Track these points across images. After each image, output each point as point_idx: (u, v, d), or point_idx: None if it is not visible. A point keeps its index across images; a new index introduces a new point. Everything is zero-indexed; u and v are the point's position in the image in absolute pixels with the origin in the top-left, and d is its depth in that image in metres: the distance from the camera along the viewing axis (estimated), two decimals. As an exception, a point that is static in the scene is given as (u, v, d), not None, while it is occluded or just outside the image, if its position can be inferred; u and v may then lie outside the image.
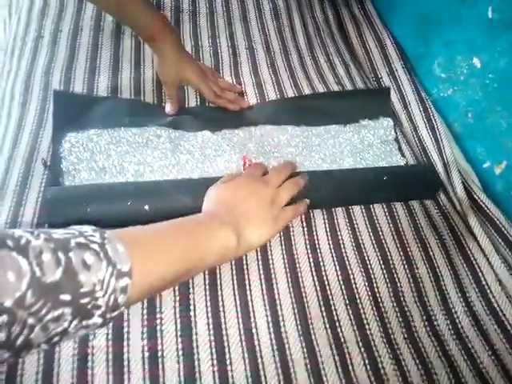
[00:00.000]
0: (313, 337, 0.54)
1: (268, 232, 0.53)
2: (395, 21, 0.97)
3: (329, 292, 0.57)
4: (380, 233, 0.64)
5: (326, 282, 0.58)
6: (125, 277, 0.34)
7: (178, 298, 0.53)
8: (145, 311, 0.52)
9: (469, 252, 0.64)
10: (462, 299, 0.59)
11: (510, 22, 0.67)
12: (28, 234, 0.32)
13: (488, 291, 0.60)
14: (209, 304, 0.53)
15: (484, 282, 0.61)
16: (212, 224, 0.48)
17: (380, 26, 0.95)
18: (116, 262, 0.34)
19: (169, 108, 0.72)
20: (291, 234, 0.61)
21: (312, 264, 0.59)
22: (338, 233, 0.63)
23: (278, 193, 0.56)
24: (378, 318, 0.56)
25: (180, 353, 0.50)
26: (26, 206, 0.57)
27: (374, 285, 0.59)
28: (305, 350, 0.53)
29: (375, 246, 0.63)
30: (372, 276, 0.60)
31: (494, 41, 0.71)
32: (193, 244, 0.45)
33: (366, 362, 0.53)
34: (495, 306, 0.59)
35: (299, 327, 0.54)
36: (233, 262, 0.57)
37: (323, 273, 0.59)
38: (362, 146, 0.72)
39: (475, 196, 0.70)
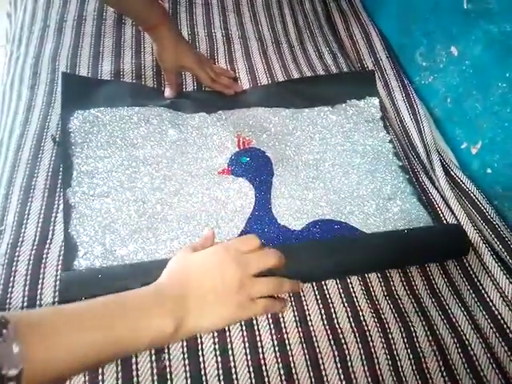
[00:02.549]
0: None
1: (222, 320, 0.47)
2: (380, 14, 1.03)
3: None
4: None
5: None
6: (10, 382, 0.32)
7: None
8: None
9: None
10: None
11: (484, 11, 0.73)
12: None
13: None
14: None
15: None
16: (146, 310, 0.42)
17: (366, 19, 1.01)
18: (2, 368, 0.31)
19: (168, 92, 0.77)
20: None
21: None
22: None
23: (253, 282, 0.48)
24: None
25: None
26: (37, 178, 0.62)
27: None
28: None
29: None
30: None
31: (470, 30, 0.77)
32: (110, 336, 0.40)
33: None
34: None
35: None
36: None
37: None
38: (350, 125, 0.78)
39: (452, 173, 0.76)
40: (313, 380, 0.51)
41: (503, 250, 0.64)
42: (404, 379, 0.53)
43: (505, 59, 0.70)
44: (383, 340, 0.55)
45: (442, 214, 0.70)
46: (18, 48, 0.83)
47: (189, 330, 0.45)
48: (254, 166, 0.68)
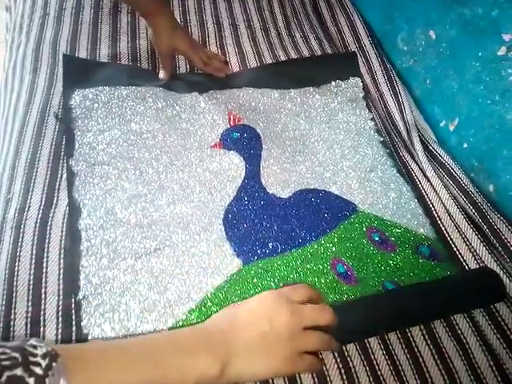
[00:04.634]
0: None
1: (267, 370, 0.45)
2: (365, 3, 1.08)
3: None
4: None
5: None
6: None
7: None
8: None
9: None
10: None
11: (458, -5, 0.78)
12: None
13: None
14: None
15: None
16: (193, 347, 0.42)
17: (351, 8, 1.06)
18: None
19: (162, 75, 0.82)
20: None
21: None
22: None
23: (303, 336, 0.46)
24: None
25: None
26: (42, 150, 0.67)
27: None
28: None
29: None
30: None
31: (446, 14, 0.82)
32: (158, 375, 0.39)
33: None
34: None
35: None
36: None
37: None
38: (334, 104, 0.83)
39: (431, 148, 0.81)
40: None
41: (476, 214, 0.69)
42: None
43: (477, 40, 0.75)
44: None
45: (420, 183, 0.75)
46: (19, 35, 0.88)
47: (234, 375, 0.43)
48: (244, 141, 0.73)
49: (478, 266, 0.64)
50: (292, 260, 0.61)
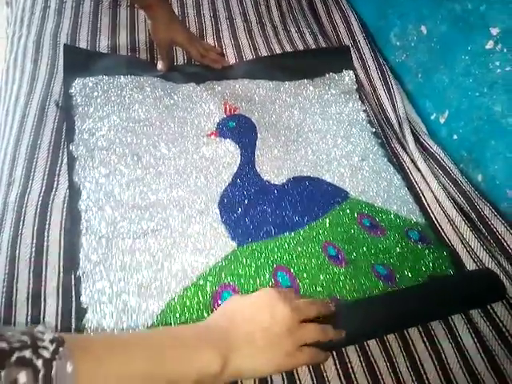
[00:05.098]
0: None
1: (268, 365, 0.45)
2: (359, 1, 1.10)
3: None
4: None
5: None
6: None
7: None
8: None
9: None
10: None
11: (449, -10, 0.80)
12: None
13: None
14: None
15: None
16: (195, 343, 0.43)
17: (345, 5, 1.09)
18: None
19: (160, 66, 0.84)
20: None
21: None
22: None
23: (301, 328, 0.47)
24: None
25: None
26: (43, 137, 0.69)
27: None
28: None
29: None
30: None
31: (437, 9, 0.84)
32: (159, 366, 0.40)
33: None
34: None
35: None
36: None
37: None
38: (328, 96, 0.85)
39: (421, 139, 0.84)
40: None
41: (464, 202, 0.71)
42: None
43: (467, 34, 0.78)
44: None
45: (410, 173, 0.77)
46: (20, 28, 0.90)
47: (235, 371, 0.43)
48: (239, 130, 0.75)
49: (465, 251, 0.66)
50: (285, 243, 0.63)
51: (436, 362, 0.55)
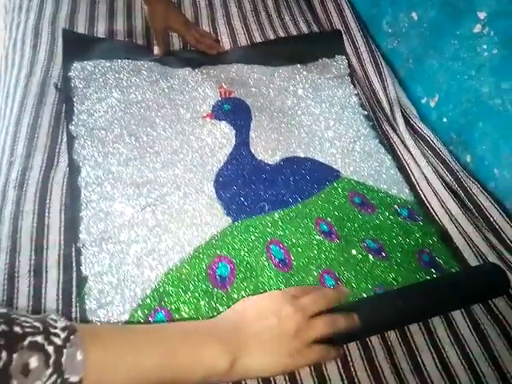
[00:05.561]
0: None
1: (276, 365, 0.45)
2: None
3: None
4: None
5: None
6: None
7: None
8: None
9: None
10: None
11: (438, -23, 0.82)
12: None
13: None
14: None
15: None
16: (204, 339, 0.43)
17: (339, -6, 1.10)
18: (65, 371, 0.32)
19: (156, 50, 0.86)
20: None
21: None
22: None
23: (309, 325, 0.47)
24: None
25: None
26: (42, 118, 0.71)
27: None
28: None
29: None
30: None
31: (427, -5, 0.86)
32: (168, 360, 0.40)
33: None
34: None
35: None
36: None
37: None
38: (321, 80, 0.87)
39: (412, 122, 0.86)
40: None
41: (453, 180, 0.74)
42: None
43: (455, 19, 0.80)
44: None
45: (401, 153, 0.80)
46: (19, 15, 0.92)
47: (243, 369, 0.44)
48: (234, 112, 0.77)
49: (452, 226, 0.68)
50: (278, 219, 0.65)
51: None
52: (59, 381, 0.32)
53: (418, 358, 0.55)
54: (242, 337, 0.44)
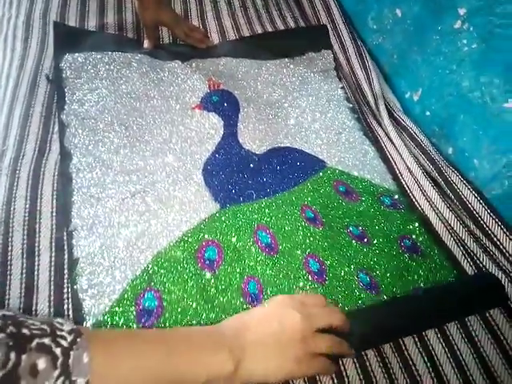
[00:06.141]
0: None
1: (281, 369, 0.45)
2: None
3: None
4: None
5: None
6: None
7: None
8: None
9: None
10: None
11: (421, -26, 0.85)
12: None
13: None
14: None
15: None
16: (208, 343, 0.44)
17: (326, -9, 1.13)
18: (72, 373, 0.33)
19: (146, 44, 0.88)
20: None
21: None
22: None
23: (316, 337, 0.47)
24: None
25: None
26: (34, 108, 0.72)
27: None
28: None
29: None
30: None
31: (411, -8, 0.89)
32: (171, 364, 0.41)
33: None
34: None
35: None
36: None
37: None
38: (307, 74, 0.90)
39: (395, 115, 0.88)
40: None
41: (434, 169, 0.76)
42: None
43: (437, 14, 0.82)
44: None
45: (384, 145, 0.82)
46: (9, 10, 0.93)
47: (246, 375, 0.44)
48: (223, 104, 0.79)
49: (433, 213, 0.71)
50: (265, 206, 0.67)
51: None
52: (67, 382, 0.33)
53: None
54: (245, 341, 0.45)
